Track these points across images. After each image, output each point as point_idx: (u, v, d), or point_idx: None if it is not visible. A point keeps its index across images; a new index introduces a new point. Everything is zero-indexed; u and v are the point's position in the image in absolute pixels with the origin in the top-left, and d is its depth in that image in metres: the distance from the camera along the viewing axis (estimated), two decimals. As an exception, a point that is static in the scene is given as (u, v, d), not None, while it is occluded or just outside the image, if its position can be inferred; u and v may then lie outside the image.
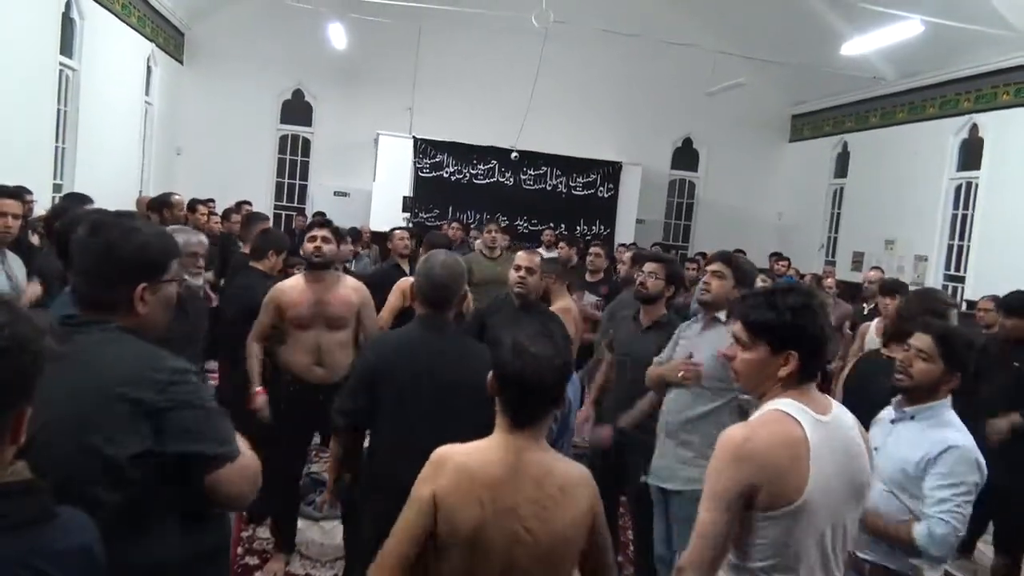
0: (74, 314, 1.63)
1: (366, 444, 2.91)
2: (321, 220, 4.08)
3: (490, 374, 1.91)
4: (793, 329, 1.82)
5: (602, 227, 12.68)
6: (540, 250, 8.88)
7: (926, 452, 2.44)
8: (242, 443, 1.71)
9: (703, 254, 9.55)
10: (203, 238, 3.78)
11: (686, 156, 14.59)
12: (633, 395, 3.78)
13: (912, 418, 2.57)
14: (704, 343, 3.34)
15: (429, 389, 2.62)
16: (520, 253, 4.29)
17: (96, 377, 1.52)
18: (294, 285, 3.91)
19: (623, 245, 10.60)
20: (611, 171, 12.89)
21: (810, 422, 1.79)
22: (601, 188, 12.83)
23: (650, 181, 13.46)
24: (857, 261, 11.43)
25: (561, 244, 7.99)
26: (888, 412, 2.68)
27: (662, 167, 14.25)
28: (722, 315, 3.38)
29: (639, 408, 3.72)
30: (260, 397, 3.94)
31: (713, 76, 11.11)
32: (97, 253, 1.64)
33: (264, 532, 4.29)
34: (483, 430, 1.93)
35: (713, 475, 1.79)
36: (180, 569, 1.65)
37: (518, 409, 1.87)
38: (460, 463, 1.84)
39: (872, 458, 1.95)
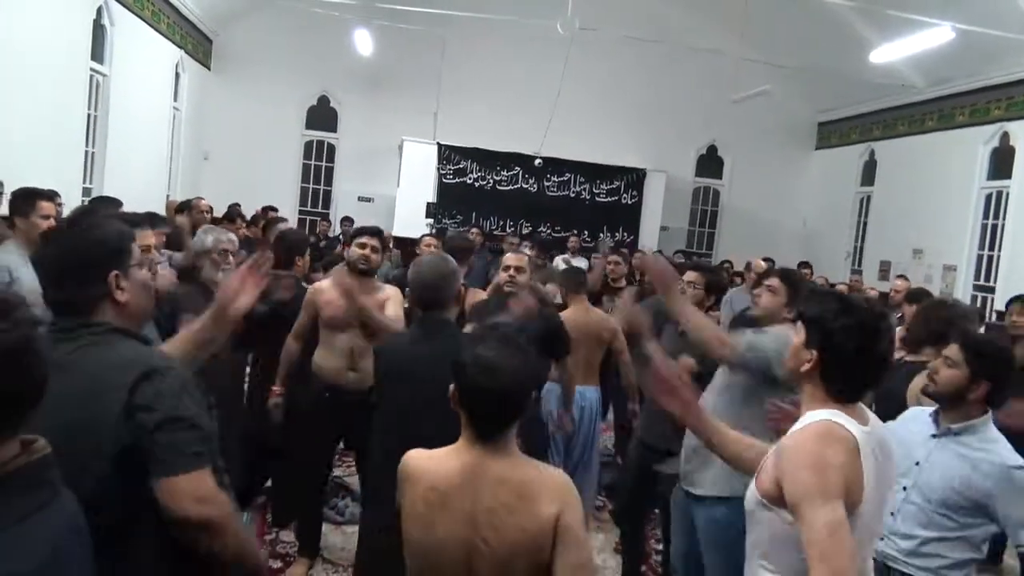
0: (60, 323, 1.62)
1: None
2: (372, 229, 4.02)
3: (451, 386, 1.84)
4: (825, 333, 1.85)
5: (626, 234, 12.63)
6: (566, 256, 8.92)
7: (983, 473, 2.43)
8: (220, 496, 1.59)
9: (728, 262, 9.50)
10: (233, 236, 3.81)
11: (710, 163, 14.52)
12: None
13: (956, 435, 2.54)
14: None
15: (424, 390, 2.59)
16: (508, 254, 4.37)
17: (85, 383, 1.52)
18: (336, 285, 3.91)
19: (642, 252, 10.54)
20: (635, 178, 12.85)
21: (856, 429, 1.80)
22: (625, 195, 12.79)
23: (674, 188, 13.41)
24: (884, 270, 11.30)
25: (614, 258, 7.04)
26: (926, 424, 2.64)
27: (686, 174, 14.19)
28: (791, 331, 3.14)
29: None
30: (275, 397, 3.98)
31: (738, 83, 11.05)
32: (58, 258, 1.66)
33: (287, 536, 4.30)
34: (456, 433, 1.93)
35: (815, 472, 1.71)
36: None
37: (479, 420, 1.82)
38: (422, 468, 1.83)
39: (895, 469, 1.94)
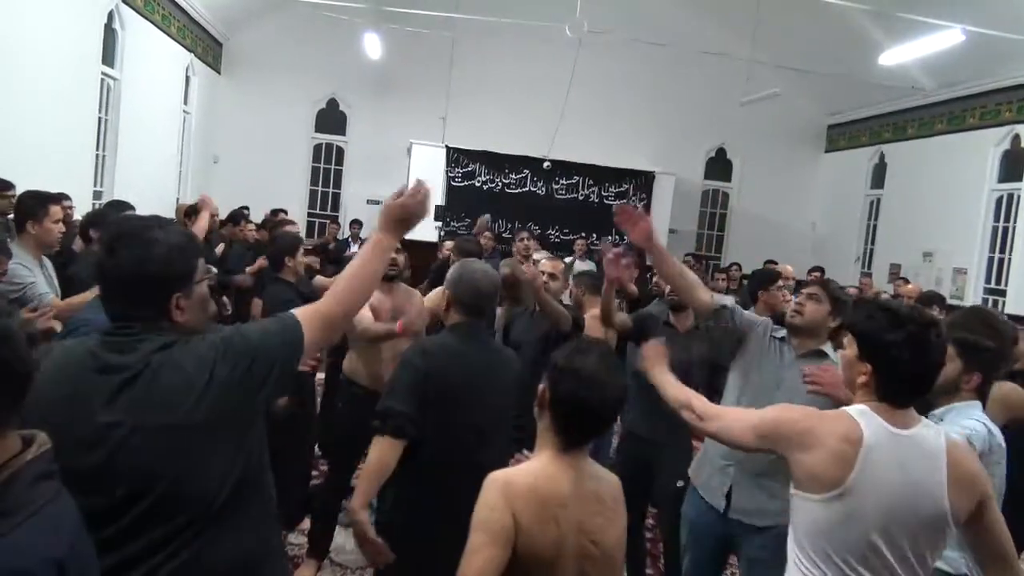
0: (123, 329, 1.62)
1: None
2: None
3: (542, 389, 1.85)
4: (875, 346, 1.90)
5: (634, 237, 12.58)
6: (575, 259, 8.93)
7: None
8: (300, 311, 1.79)
9: (737, 264, 9.47)
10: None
11: (719, 166, 14.49)
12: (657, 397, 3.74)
13: (941, 420, 2.49)
14: (798, 373, 2.83)
15: (474, 400, 2.58)
16: (544, 260, 4.36)
17: (178, 378, 1.56)
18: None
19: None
20: (644, 181, 12.85)
21: (874, 427, 1.85)
22: (633, 198, 12.78)
23: (683, 191, 13.39)
24: (894, 273, 11.23)
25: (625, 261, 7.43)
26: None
27: (695, 177, 14.17)
28: (829, 349, 2.97)
29: None
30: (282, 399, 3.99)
31: (747, 86, 11.03)
32: (121, 273, 1.61)
33: (295, 538, 4.31)
34: (511, 442, 1.92)
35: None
36: (261, 565, 1.73)
37: (577, 432, 1.85)
38: (529, 485, 1.79)
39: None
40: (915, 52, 9.13)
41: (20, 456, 1.16)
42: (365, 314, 3.80)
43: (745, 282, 9.04)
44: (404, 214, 2.02)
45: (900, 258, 11.27)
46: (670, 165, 13.16)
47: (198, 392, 1.56)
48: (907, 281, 7.49)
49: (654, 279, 8.66)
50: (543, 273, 4.16)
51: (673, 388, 2.34)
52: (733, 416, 2.15)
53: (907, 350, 1.84)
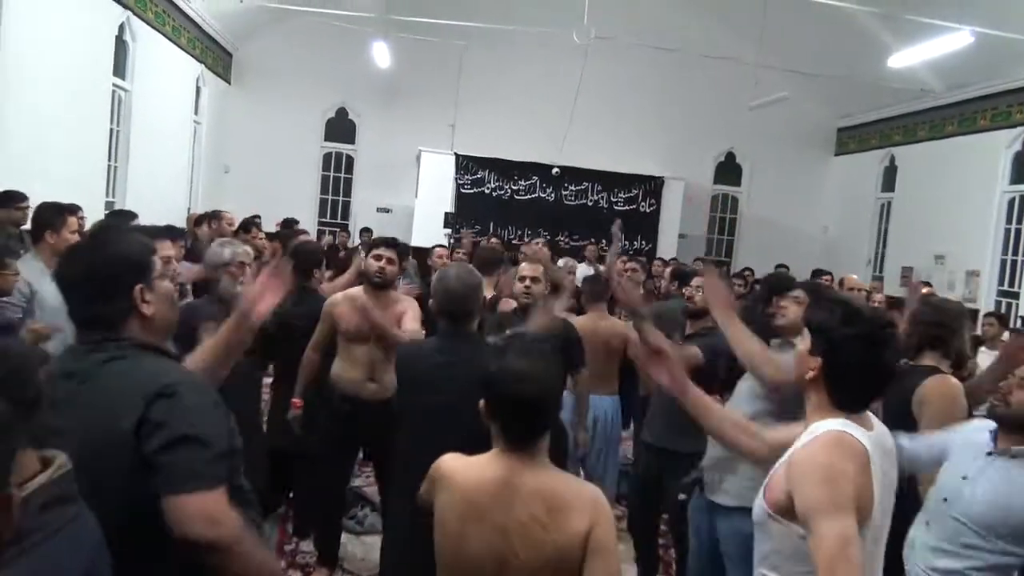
0: (85, 335, 1.64)
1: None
2: (388, 240, 4.04)
3: (481, 400, 1.85)
4: (829, 342, 1.83)
5: (644, 242, 12.60)
6: (582, 265, 8.92)
7: None
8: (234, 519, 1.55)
9: (749, 269, 9.44)
10: (249, 249, 3.83)
11: (729, 170, 14.47)
12: (677, 408, 3.74)
13: (1015, 457, 2.42)
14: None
15: (450, 402, 2.58)
16: (523, 264, 4.33)
17: (108, 397, 1.53)
18: (353, 298, 3.91)
19: (661, 260, 10.53)
20: (653, 186, 12.84)
21: (864, 437, 1.79)
22: (643, 203, 12.77)
23: (692, 195, 13.38)
24: (906, 276, 11.19)
25: (632, 265, 7.12)
26: (984, 439, 2.52)
27: (704, 182, 14.15)
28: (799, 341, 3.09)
29: None
30: (295, 411, 4.01)
31: (755, 90, 11.01)
32: (82, 274, 1.65)
33: (307, 546, 4.32)
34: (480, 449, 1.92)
35: (827, 484, 1.69)
36: None
37: (510, 430, 1.83)
38: (457, 477, 1.83)
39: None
40: (924, 54, 9.09)
41: (31, 481, 1.12)
42: (347, 315, 3.85)
43: (756, 287, 9.04)
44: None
45: (912, 261, 11.21)
46: (679, 170, 13.16)
47: (120, 414, 1.51)
48: (929, 284, 7.45)
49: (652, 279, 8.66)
50: (524, 278, 4.10)
51: (750, 339, 2.39)
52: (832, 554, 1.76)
53: (859, 347, 1.80)
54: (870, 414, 1.91)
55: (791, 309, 3.14)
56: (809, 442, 1.81)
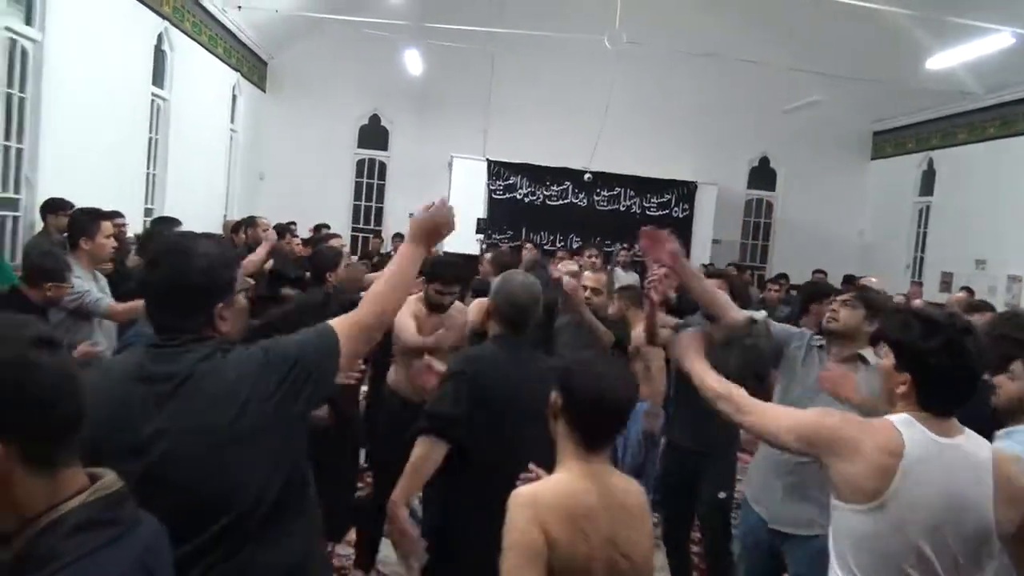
0: (169, 340, 1.66)
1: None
2: (450, 275, 3.99)
3: (554, 396, 1.86)
4: (913, 354, 1.86)
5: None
6: (617, 270, 8.89)
7: None
8: (340, 320, 1.85)
9: (784, 275, 9.34)
10: None
11: (763, 175, 14.35)
12: (709, 412, 3.71)
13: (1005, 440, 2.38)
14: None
15: (518, 411, 2.56)
16: (587, 273, 4.33)
17: (222, 387, 1.61)
18: (414, 311, 3.91)
19: (703, 266, 10.46)
20: (686, 191, 12.76)
21: (917, 437, 1.80)
22: (676, 208, 12.71)
23: (726, 201, 13.28)
24: (946, 282, 11.00)
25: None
26: None
27: (738, 186, 14.05)
28: (869, 354, 2.93)
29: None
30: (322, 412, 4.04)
31: (789, 94, 10.93)
32: (164, 286, 1.67)
33: (342, 549, 4.34)
34: (552, 455, 1.90)
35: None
36: (305, 571, 1.75)
37: (593, 432, 1.84)
38: (556, 499, 1.77)
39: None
40: (963, 56, 8.95)
41: (66, 503, 1.08)
42: (407, 325, 3.83)
43: (793, 292, 8.94)
44: (432, 226, 2.11)
45: (952, 266, 11.01)
46: (712, 175, 13.07)
47: (240, 401, 1.60)
48: (971, 291, 7.32)
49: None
50: (585, 288, 4.13)
51: (711, 378, 2.25)
52: (773, 412, 2.07)
53: (945, 357, 1.81)
54: (959, 425, 1.89)
55: (842, 313, 3.06)
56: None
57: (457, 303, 4.11)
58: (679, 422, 3.94)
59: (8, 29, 5.75)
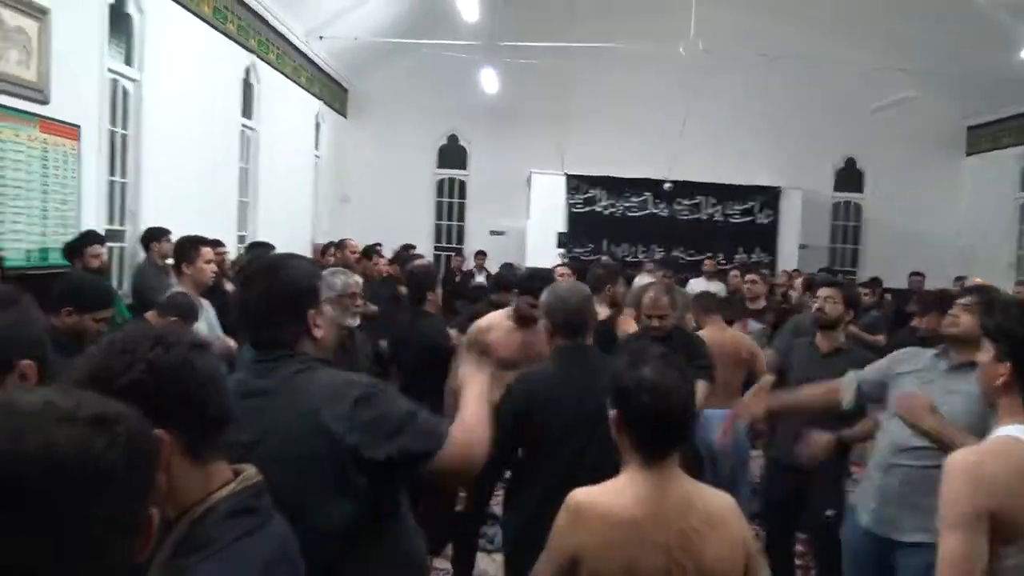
0: (265, 354, 1.74)
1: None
2: (532, 285, 4.04)
3: (613, 412, 1.84)
4: (1015, 345, 1.78)
5: (763, 254, 12.28)
6: (700, 280, 8.76)
7: None
8: (457, 427, 1.79)
9: (876, 279, 9.03)
10: (359, 279, 3.90)
11: (850, 177, 13.93)
12: (818, 424, 3.62)
13: None
14: (954, 384, 2.75)
15: (581, 425, 2.56)
16: (645, 303, 4.16)
17: (305, 402, 1.64)
18: (500, 325, 3.95)
19: (787, 272, 10.23)
20: (769, 196, 12.51)
21: None
22: (760, 215, 12.47)
23: (812, 205, 12.94)
24: (1054, 280, 10.44)
25: (752, 277, 7.02)
26: None
27: (824, 189, 13.68)
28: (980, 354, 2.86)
29: (859, 429, 3.36)
30: None
31: (875, 92, 10.59)
32: (263, 299, 1.76)
33: (440, 563, 4.38)
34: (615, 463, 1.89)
35: (949, 502, 1.68)
36: None
37: (651, 444, 1.80)
38: (599, 510, 1.77)
39: None
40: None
41: (217, 492, 1.19)
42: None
43: (888, 297, 8.64)
44: (478, 348, 2.13)
45: (1059, 263, 10.46)
46: (796, 179, 12.77)
47: (327, 416, 1.62)
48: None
49: (787, 292, 8.39)
50: (650, 317, 4.04)
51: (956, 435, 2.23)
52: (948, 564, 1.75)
53: None
54: None
55: (963, 318, 2.90)
56: (982, 444, 1.77)
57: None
58: (781, 438, 3.85)
59: (111, 71, 6.08)
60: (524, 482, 2.78)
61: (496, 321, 4.03)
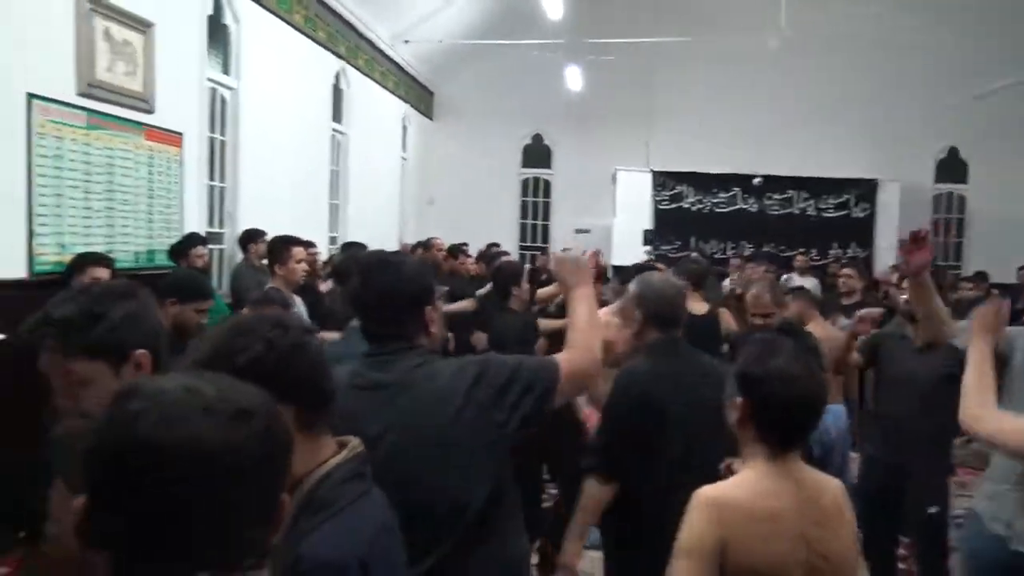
0: (383, 349, 1.80)
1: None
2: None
3: (739, 401, 1.79)
4: None
5: (859, 249, 11.85)
6: (792, 275, 8.53)
7: None
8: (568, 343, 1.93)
9: (982, 273, 8.61)
10: None
11: (952, 168, 13.30)
12: (918, 419, 3.48)
13: None
14: None
15: (688, 422, 2.50)
16: (748, 300, 4.06)
17: (438, 392, 1.72)
18: (610, 323, 3.95)
19: (893, 267, 9.85)
20: (865, 190, 12.07)
21: None
22: (855, 208, 12.04)
23: (911, 197, 12.40)
24: None
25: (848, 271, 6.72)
26: None
27: (924, 181, 13.10)
28: None
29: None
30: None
31: (976, 78, 10.06)
32: (381, 297, 1.80)
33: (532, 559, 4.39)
34: (724, 454, 1.86)
35: None
36: (522, 570, 1.84)
37: (784, 434, 1.76)
38: (738, 501, 1.73)
39: None
40: None
41: (332, 459, 1.28)
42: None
43: (995, 291, 8.21)
44: (574, 269, 2.15)
45: None
46: (894, 171, 12.26)
47: (456, 408, 1.70)
48: None
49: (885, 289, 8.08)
50: (754, 315, 3.94)
51: (975, 371, 2.11)
52: (1012, 424, 1.89)
53: None
54: None
55: None
56: None
57: None
58: (879, 432, 3.70)
59: (210, 80, 6.33)
60: (625, 480, 2.70)
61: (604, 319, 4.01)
